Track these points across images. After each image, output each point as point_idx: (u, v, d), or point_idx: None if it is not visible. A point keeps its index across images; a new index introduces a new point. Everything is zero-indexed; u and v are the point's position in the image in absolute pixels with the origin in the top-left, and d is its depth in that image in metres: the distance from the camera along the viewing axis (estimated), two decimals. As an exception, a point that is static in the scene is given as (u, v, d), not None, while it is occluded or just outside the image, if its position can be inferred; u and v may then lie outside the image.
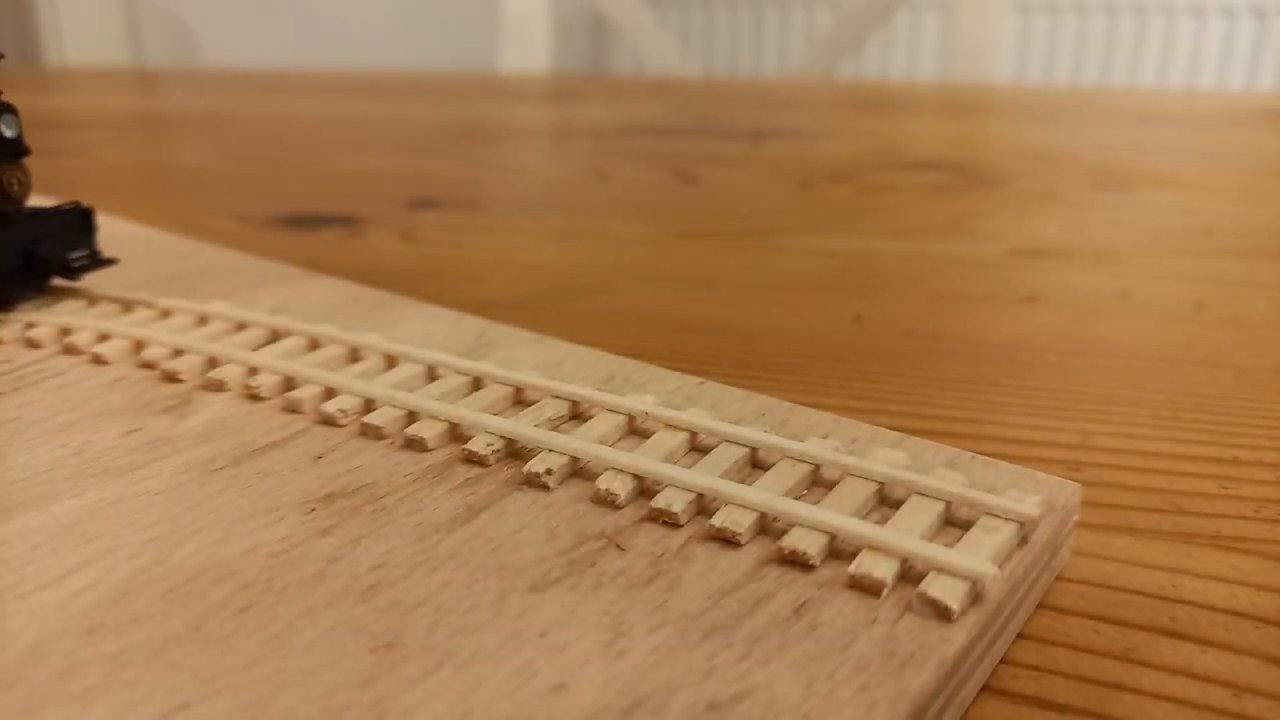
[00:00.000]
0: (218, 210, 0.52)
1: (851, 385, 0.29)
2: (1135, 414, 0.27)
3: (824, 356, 0.32)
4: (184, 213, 0.51)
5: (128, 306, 0.29)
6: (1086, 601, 0.19)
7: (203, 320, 0.28)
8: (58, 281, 0.30)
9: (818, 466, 0.20)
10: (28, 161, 0.29)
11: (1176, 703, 0.16)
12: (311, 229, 0.48)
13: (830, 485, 0.19)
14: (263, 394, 0.24)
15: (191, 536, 0.18)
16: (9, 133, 0.28)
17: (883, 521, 0.18)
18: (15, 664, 0.15)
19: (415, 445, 0.22)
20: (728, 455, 0.20)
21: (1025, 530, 0.18)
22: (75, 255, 0.30)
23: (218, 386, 0.25)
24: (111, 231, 0.34)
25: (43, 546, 0.18)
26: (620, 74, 1.60)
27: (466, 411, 0.22)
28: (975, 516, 0.18)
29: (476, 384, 0.24)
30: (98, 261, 0.30)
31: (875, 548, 0.17)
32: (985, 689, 0.17)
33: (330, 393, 0.24)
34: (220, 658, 0.15)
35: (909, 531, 0.17)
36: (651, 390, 0.24)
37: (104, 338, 0.27)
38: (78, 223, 0.30)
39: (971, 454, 0.21)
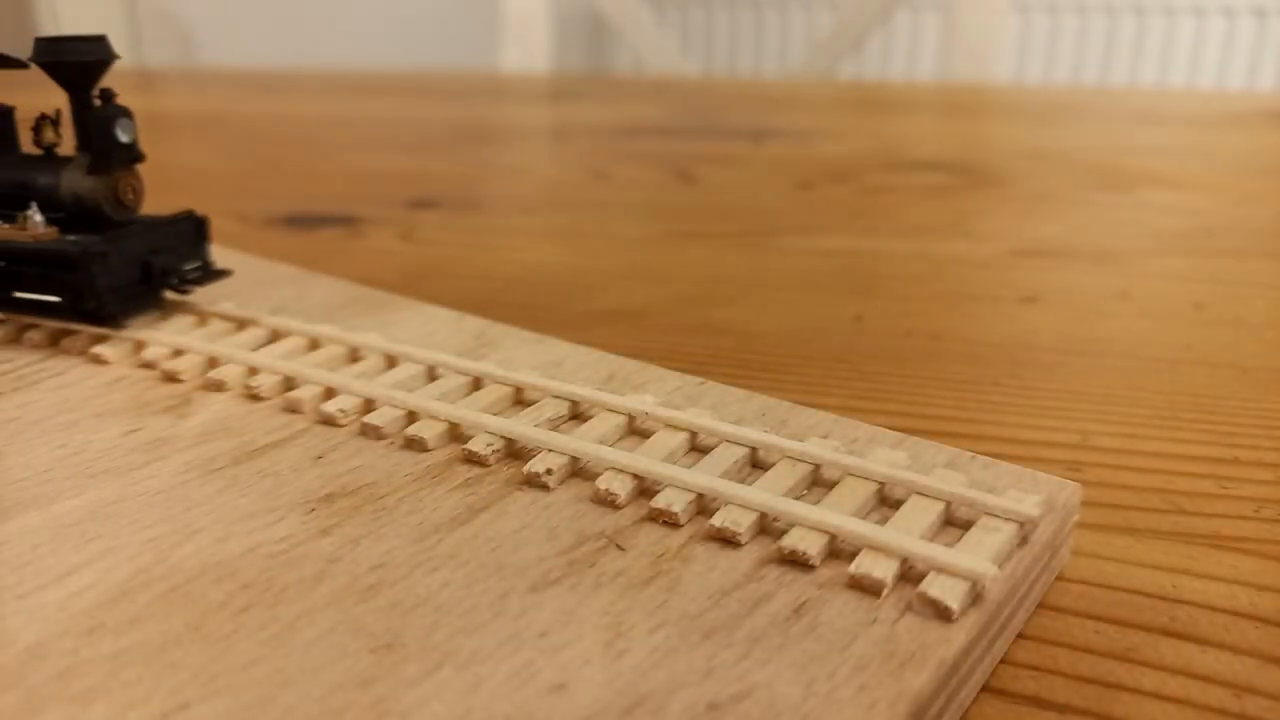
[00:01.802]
0: (218, 210, 0.52)
1: (851, 385, 0.29)
2: (1135, 414, 0.27)
3: (824, 356, 0.32)
4: (184, 213, 0.51)
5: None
6: (1086, 601, 0.19)
7: (203, 320, 0.28)
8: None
9: (818, 466, 0.20)
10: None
11: (1176, 703, 0.16)
12: (311, 229, 0.48)
13: (830, 485, 0.19)
14: (263, 394, 0.24)
15: (191, 536, 0.18)
16: (125, 138, 0.27)
17: (883, 521, 0.18)
18: (15, 664, 0.15)
19: (415, 445, 0.22)
20: (728, 455, 0.20)
21: (1025, 530, 0.18)
22: (189, 267, 0.28)
23: (218, 386, 0.25)
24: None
25: (43, 546, 0.18)
26: (620, 74, 1.60)
27: (466, 411, 0.22)
28: (975, 516, 0.18)
29: (476, 384, 0.24)
30: (210, 273, 0.29)
31: (875, 548, 0.17)
32: (985, 689, 0.17)
33: (330, 393, 0.24)
34: (220, 658, 0.15)
35: (909, 531, 0.17)
36: (651, 390, 0.24)
37: (103, 338, 0.27)
38: (192, 232, 0.29)
39: (971, 454, 0.21)
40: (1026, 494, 0.19)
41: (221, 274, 0.29)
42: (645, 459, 0.20)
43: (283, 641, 0.15)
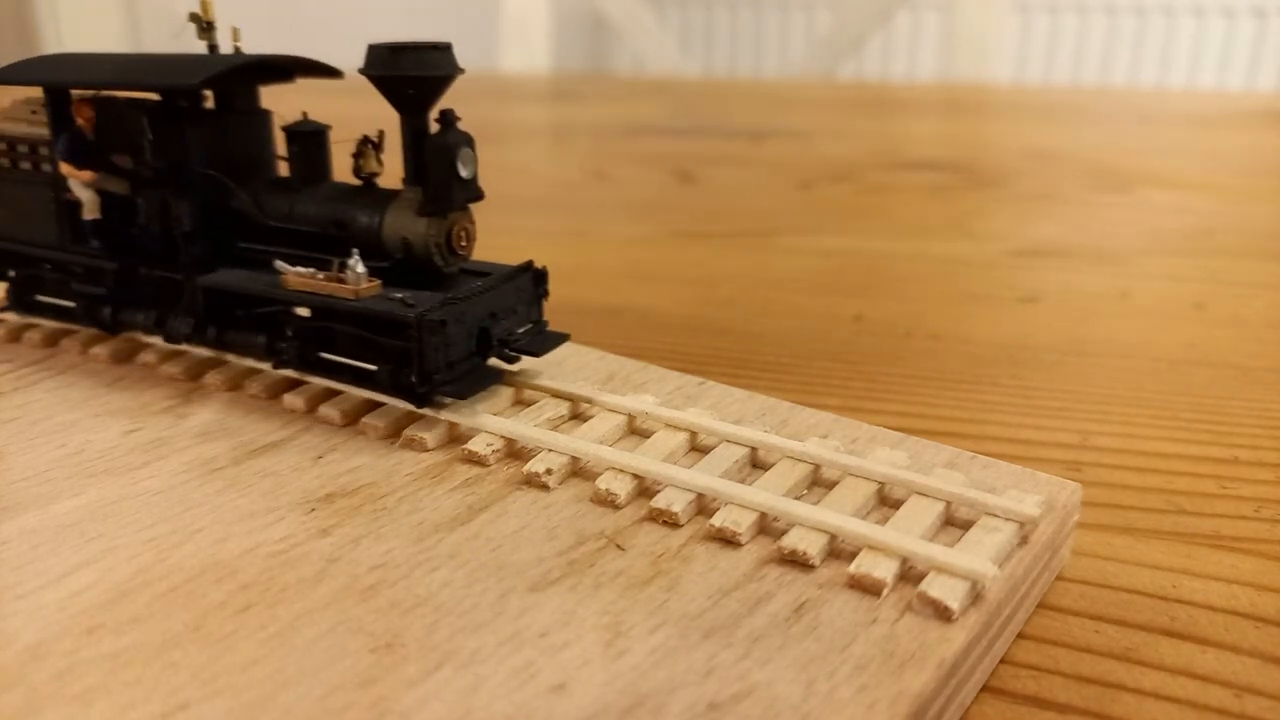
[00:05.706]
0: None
1: (851, 385, 0.29)
2: (1135, 414, 0.27)
3: (824, 356, 0.32)
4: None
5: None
6: (1086, 601, 0.19)
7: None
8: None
9: (818, 466, 0.20)
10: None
11: (1176, 703, 0.16)
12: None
13: (830, 485, 0.19)
14: (262, 394, 0.24)
15: (191, 536, 0.18)
16: (466, 172, 0.22)
17: (883, 521, 0.18)
18: (15, 664, 0.15)
19: (415, 445, 0.22)
20: (728, 455, 0.20)
21: (1025, 530, 0.18)
22: (521, 331, 0.23)
23: (217, 386, 0.24)
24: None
25: (43, 546, 0.18)
26: (620, 74, 1.60)
27: (466, 411, 0.22)
28: (975, 516, 0.18)
29: (476, 384, 0.24)
30: (545, 337, 0.23)
31: (875, 548, 0.17)
32: (985, 689, 0.17)
33: (329, 392, 0.24)
34: (220, 658, 0.15)
35: (909, 531, 0.17)
36: (651, 390, 0.24)
37: (100, 339, 0.27)
38: (531, 287, 0.23)
39: (971, 454, 0.21)
40: (1026, 494, 0.19)
41: (559, 338, 0.24)
42: (645, 459, 0.20)
43: (283, 641, 0.15)
